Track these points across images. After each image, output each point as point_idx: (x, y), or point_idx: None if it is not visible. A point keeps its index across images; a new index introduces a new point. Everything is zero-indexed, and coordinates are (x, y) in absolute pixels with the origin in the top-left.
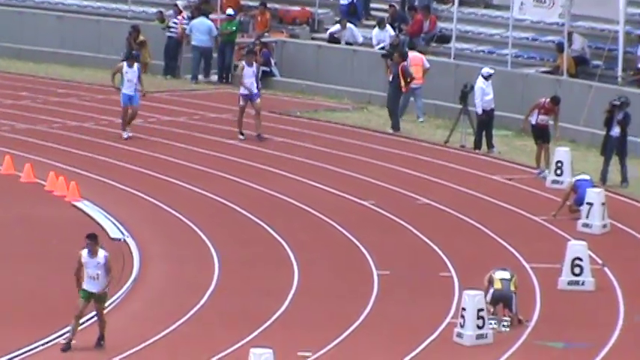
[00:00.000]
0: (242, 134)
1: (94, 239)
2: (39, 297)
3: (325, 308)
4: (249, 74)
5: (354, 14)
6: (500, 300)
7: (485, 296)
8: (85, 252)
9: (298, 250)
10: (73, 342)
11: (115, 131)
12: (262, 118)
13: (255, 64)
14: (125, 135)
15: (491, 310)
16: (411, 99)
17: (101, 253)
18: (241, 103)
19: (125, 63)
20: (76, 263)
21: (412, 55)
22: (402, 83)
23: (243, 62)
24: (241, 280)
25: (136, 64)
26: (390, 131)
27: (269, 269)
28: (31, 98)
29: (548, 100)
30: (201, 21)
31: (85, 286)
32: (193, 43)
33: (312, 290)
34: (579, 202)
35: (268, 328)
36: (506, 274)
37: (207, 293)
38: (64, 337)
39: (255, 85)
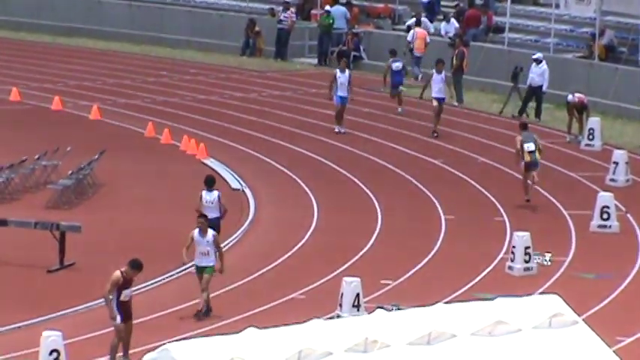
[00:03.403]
0: (339, 127)
1: (205, 218)
2: (170, 235)
3: (403, 245)
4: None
5: (432, 9)
6: (531, 168)
7: (519, 163)
8: (196, 231)
9: (381, 198)
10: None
11: (230, 102)
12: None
13: (347, 70)
14: (337, 129)
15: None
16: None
17: (210, 232)
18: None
19: (338, 69)
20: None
21: (419, 30)
22: (463, 64)
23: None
24: (335, 222)
25: (347, 70)
26: (456, 104)
27: (358, 214)
28: (169, 77)
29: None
30: (337, 8)
31: (196, 261)
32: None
33: (392, 231)
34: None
35: (357, 261)
36: (532, 146)
37: (308, 233)
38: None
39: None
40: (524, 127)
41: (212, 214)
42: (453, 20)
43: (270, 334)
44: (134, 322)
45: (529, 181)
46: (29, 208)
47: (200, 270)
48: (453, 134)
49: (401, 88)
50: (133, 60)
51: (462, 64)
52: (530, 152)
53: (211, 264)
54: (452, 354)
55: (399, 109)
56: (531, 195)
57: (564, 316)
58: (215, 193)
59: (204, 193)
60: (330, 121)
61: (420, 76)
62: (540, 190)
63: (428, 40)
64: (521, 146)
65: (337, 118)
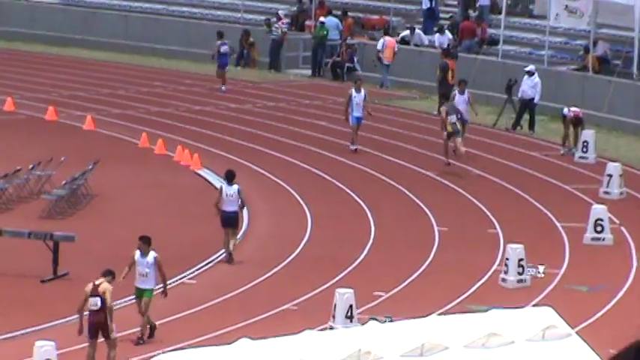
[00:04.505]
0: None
1: (145, 241)
2: (164, 245)
3: (396, 257)
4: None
5: (432, 16)
6: (453, 135)
7: (443, 131)
8: (137, 252)
9: (374, 209)
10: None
11: (224, 113)
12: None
13: (362, 90)
14: (353, 147)
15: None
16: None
17: (151, 254)
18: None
19: (353, 89)
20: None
21: (388, 39)
22: (448, 76)
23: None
24: (329, 233)
25: (362, 90)
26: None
27: (351, 225)
28: (163, 87)
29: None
30: (331, 19)
31: (136, 283)
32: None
33: (385, 242)
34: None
35: (350, 272)
36: (454, 119)
37: (301, 244)
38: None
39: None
40: (446, 97)
41: (232, 208)
42: (447, 32)
43: (263, 345)
44: (127, 333)
45: (452, 149)
46: (23, 218)
47: (139, 293)
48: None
49: (227, 68)
50: (127, 70)
51: (445, 75)
52: (452, 123)
53: (150, 287)
54: None
55: (222, 88)
56: (450, 160)
57: (558, 328)
58: (235, 187)
59: (224, 186)
60: (323, 132)
61: (387, 85)
62: (533, 201)
63: (396, 49)
64: (446, 117)
65: (353, 136)
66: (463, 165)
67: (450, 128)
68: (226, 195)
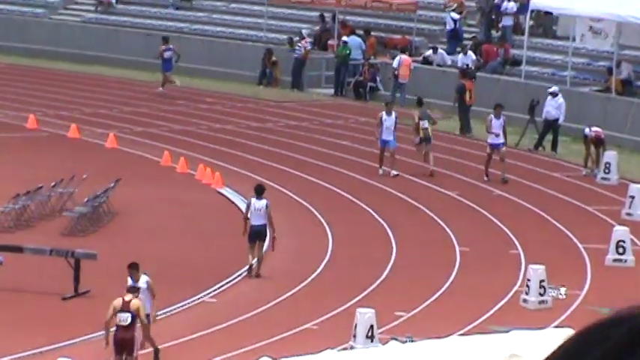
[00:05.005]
0: (388, 169)
1: (135, 268)
2: (185, 264)
3: (417, 277)
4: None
5: (455, 36)
6: (424, 141)
7: (416, 137)
8: (129, 280)
9: (396, 229)
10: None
11: (246, 131)
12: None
13: (394, 112)
14: (381, 172)
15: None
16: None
17: (143, 278)
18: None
19: (384, 112)
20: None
21: (404, 57)
22: (465, 97)
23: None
24: (350, 252)
25: (393, 113)
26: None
27: (372, 245)
28: (185, 105)
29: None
30: (353, 38)
31: None
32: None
33: (406, 262)
34: None
35: (371, 292)
36: (427, 124)
37: (323, 263)
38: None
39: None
40: (420, 103)
41: (260, 222)
42: (470, 52)
43: None
44: (145, 351)
45: (425, 157)
46: (45, 235)
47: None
48: (468, 166)
49: (169, 73)
50: (149, 88)
51: (462, 97)
52: (425, 129)
53: (146, 312)
54: None
55: (159, 89)
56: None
57: None
58: (264, 201)
59: (253, 200)
60: (345, 151)
61: (402, 103)
62: (554, 222)
63: (412, 67)
64: (418, 122)
65: (380, 160)
66: (479, 183)
67: (422, 134)
68: (255, 209)
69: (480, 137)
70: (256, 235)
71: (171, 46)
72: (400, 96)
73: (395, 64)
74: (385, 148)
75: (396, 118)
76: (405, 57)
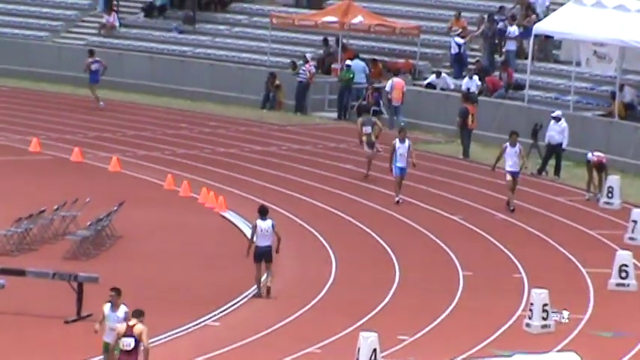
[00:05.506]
0: (398, 196)
1: (118, 293)
2: (188, 288)
3: (420, 300)
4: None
5: (460, 61)
6: (369, 146)
7: (361, 142)
8: (107, 306)
9: (399, 253)
10: None
11: (249, 155)
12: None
13: (407, 140)
14: (397, 199)
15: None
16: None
17: (122, 308)
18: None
19: (397, 139)
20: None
21: (396, 80)
22: (467, 121)
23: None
24: (353, 276)
25: (407, 140)
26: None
27: (376, 268)
28: (189, 129)
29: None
30: (357, 62)
31: (105, 337)
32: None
33: (409, 286)
34: None
35: (374, 316)
36: (369, 129)
37: (326, 287)
38: None
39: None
40: (365, 110)
41: (266, 242)
42: (475, 77)
43: None
44: None
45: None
46: (47, 258)
47: (107, 347)
48: (471, 190)
49: (98, 84)
50: (153, 112)
51: (465, 120)
52: (368, 134)
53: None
54: None
55: (100, 103)
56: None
57: None
58: (269, 222)
59: (259, 222)
60: (349, 175)
61: (402, 123)
62: (557, 246)
63: (404, 89)
64: (361, 128)
65: (396, 187)
66: (486, 208)
67: (365, 139)
68: (261, 230)
69: (480, 160)
70: (261, 255)
71: (97, 59)
72: (396, 119)
73: (387, 87)
74: (400, 175)
75: (409, 145)
76: (397, 80)
